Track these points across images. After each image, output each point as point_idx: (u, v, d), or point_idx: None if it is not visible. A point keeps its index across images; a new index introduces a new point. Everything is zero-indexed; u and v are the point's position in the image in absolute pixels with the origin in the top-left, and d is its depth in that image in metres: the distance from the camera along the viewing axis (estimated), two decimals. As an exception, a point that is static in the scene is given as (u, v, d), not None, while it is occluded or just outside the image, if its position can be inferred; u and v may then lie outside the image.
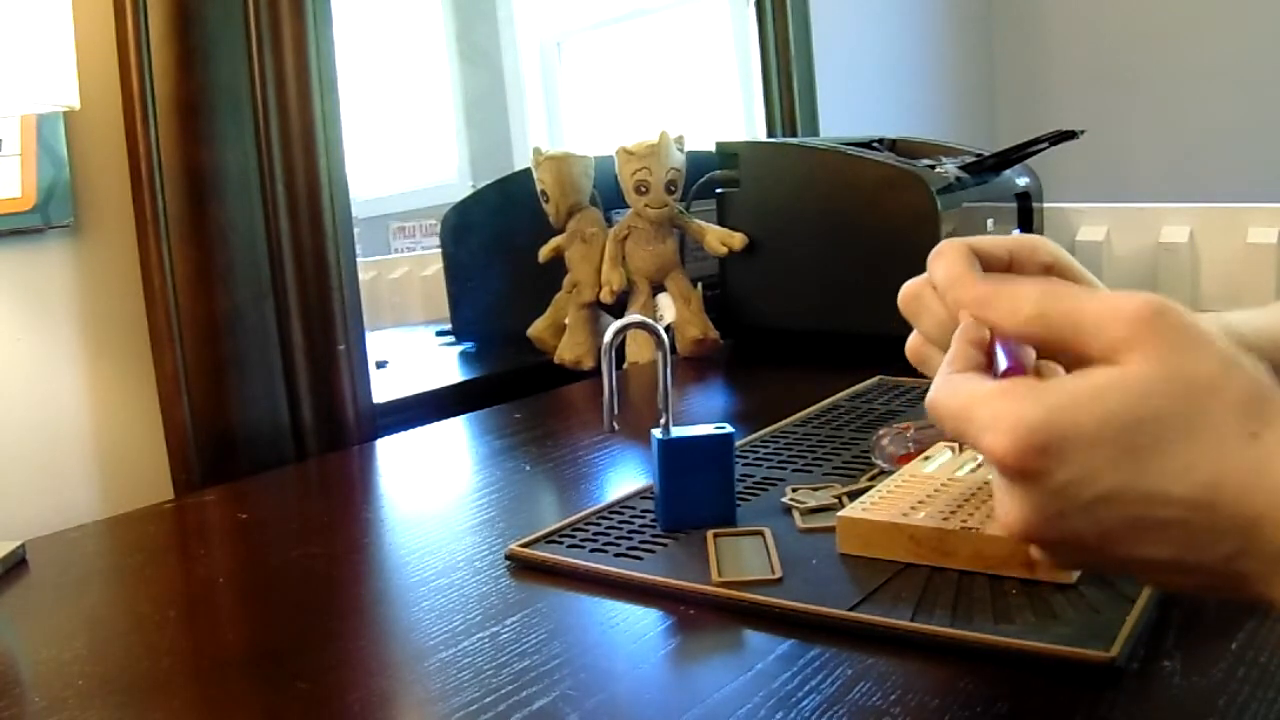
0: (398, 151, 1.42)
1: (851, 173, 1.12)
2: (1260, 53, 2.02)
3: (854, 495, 0.61)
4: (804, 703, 0.41)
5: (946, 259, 0.43)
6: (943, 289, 0.43)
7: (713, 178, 1.19)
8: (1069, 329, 0.37)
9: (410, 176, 1.44)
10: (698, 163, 1.18)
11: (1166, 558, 0.36)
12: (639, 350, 1.18)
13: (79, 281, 0.86)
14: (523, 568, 0.58)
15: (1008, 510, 0.38)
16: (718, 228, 1.17)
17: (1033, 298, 0.39)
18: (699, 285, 1.20)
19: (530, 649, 0.48)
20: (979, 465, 0.60)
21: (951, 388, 0.40)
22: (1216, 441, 0.35)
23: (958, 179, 1.14)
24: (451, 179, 1.45)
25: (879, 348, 1.07)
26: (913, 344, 0.48)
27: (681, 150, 1.14)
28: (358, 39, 1.17)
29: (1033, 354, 0.40)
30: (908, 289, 0.47)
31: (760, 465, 0.72)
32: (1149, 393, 0.35)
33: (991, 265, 0.45)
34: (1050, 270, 0.48)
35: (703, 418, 0.63)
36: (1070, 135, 1.16)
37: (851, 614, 0.48)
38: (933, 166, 1.14)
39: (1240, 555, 0.35)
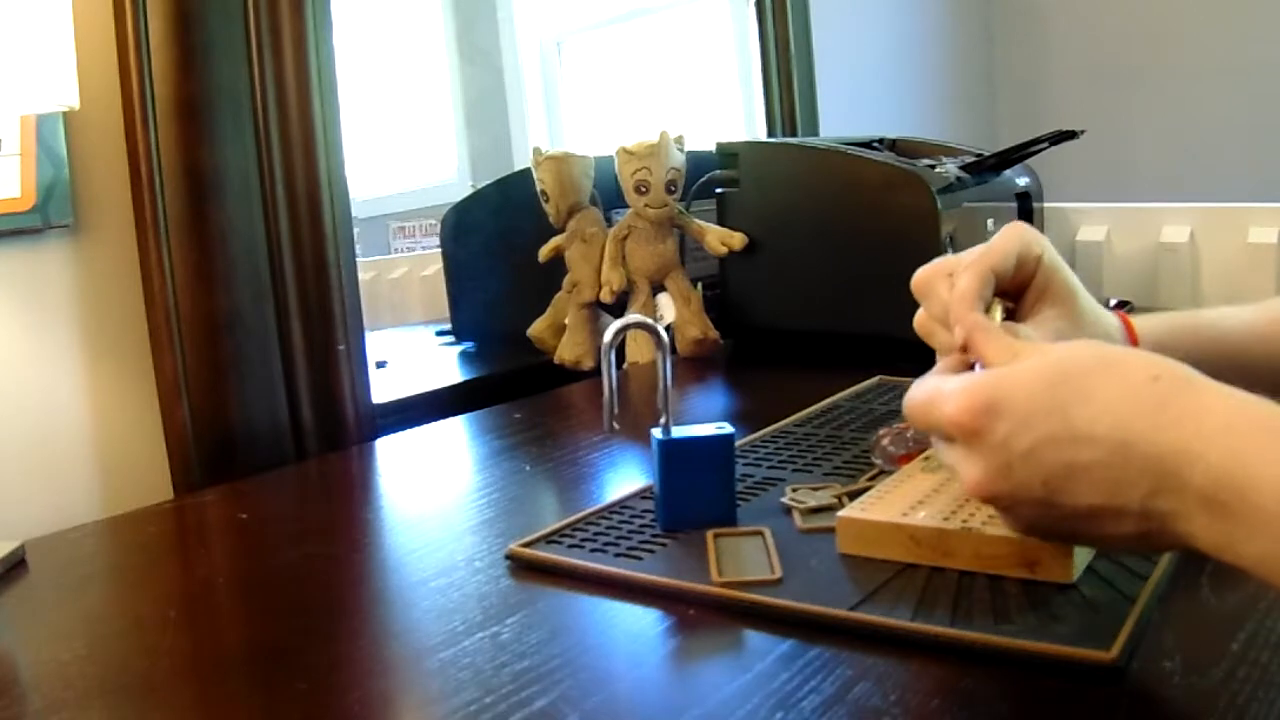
0: (398, 151, 1.42)
1: (851, 173, 1.12)
2: (1260, 52, 2.02)
3: (854, 495, 0.61)
4: (804, 703, 0.41)
5: (968, 276, 0.53)
6: (954, 297, 0.52)
7: (713, 178, 1.19)
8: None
9: (410, 176, 1.44)
10: (698, 163, 1.18)
11: (1100, 503, 0.41)
12: (639, 350, 1.18)
13: (79, 282, 0.86)
14: (523, 568, 0.58)
15: (966, 473, 0.45)
16: (718, 228, 1.17)
17: (990, 354, 0.48)
18: (699, 285, 1.20)
19: (530, 649, 0.48)
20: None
21: (919, 386, 0.49)
22: (1125, 387, 0.42)
23: (958, 179, 1.14)
24: (451, 179, 1.45)
25: (879, 348, 1.07)
26: (920, 319, 0.56)
27: (681, 150, 1.14)
28: (358, 39, 1.17)
29: None
30: (923, 274, 0.56)
31: (760, 465, 0.72)
32: (1070, 357, 0.44)
33: (1003, 278, 0.55)
34: (1039, 263, 0.57)
35: (703, 418, 0.63)
36: (1070, 135, 1.16)
37: (851, 614, 0.48)
38: (933, 166, 1.14)
39: (1157, 493, 0.40)
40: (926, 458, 0.62)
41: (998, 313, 0.55)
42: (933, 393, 0.46)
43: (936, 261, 0.56)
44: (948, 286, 0.54)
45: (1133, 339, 0.61)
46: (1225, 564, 0.39)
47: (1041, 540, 0.47)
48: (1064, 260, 0.58)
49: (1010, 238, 0.57)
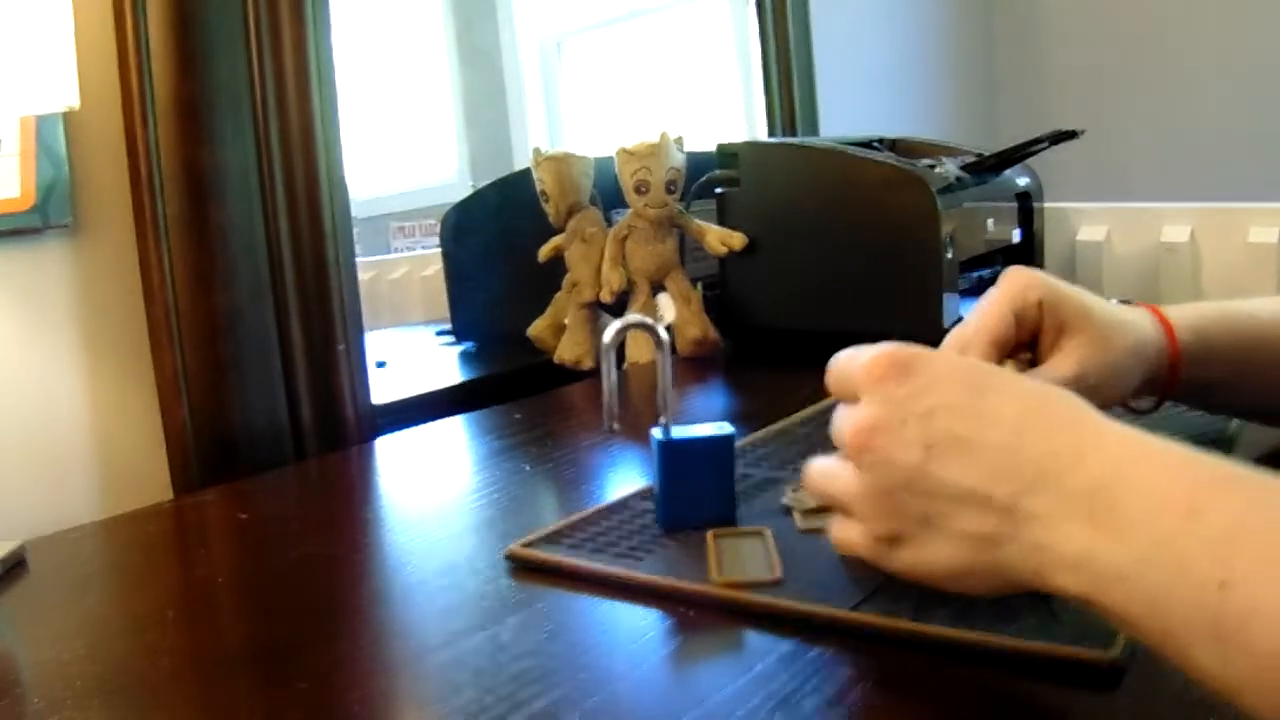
0: (398, 151, 1.42)
1: (851, 173, 1.12)
2: (1260, 53, 2.02)
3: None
4: (804, 703, 0.41)
5: (972, 357, 0.56)
6: None
7: (713, 178, 1.19)
8: None
9: (410, 176, 1.44)
10: (698, 163, 1.18)
11: (971, 485, 0.40)
12: (639, 350, 1.18)
13: (78, 281, 0.86)
14: (522, 568, 0.58)
15: (855, 415, 0.44)
16: (718, 228, 1.17)
17: None
18: (699, 285, 1.20)
19: (530, 649, 0.48)
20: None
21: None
22: (1040, 394, 0.42)
23: (958, 179, 1.14)
24: (451, 179, 1.45)
25: (879, 348, 1.07)
26: None
27: (681, 150, 1.14)
28: (357, 39, 1.17)
29: None
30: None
31: (760, 465, 0.72)
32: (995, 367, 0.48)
33: (1007, 343, 0.57)
34: (1042, 305, 0.57)
35: (703, 418, 0.63)
36: (1070, 135, 1.16)
37: (851, 614, 0.48)
38: (933, 166, 1.14)
39: (1031, 490, 0.39)
40: None
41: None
42: (857, 350, 0.46)
43: (945, 344, 0.57)
44: None
45: (1168, 329, 0.61)
46: (1070, 586, 0.38)
47: (874, 529, 0.45)
48: (1066, 283, 0.59)
49: (1001, 300, 0.58)
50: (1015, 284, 0.58)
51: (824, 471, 0.47)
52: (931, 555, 0.43)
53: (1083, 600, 0.37)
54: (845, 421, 0.45)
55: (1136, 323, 0.61)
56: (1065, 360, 0.57)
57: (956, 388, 0.42)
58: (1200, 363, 0.62)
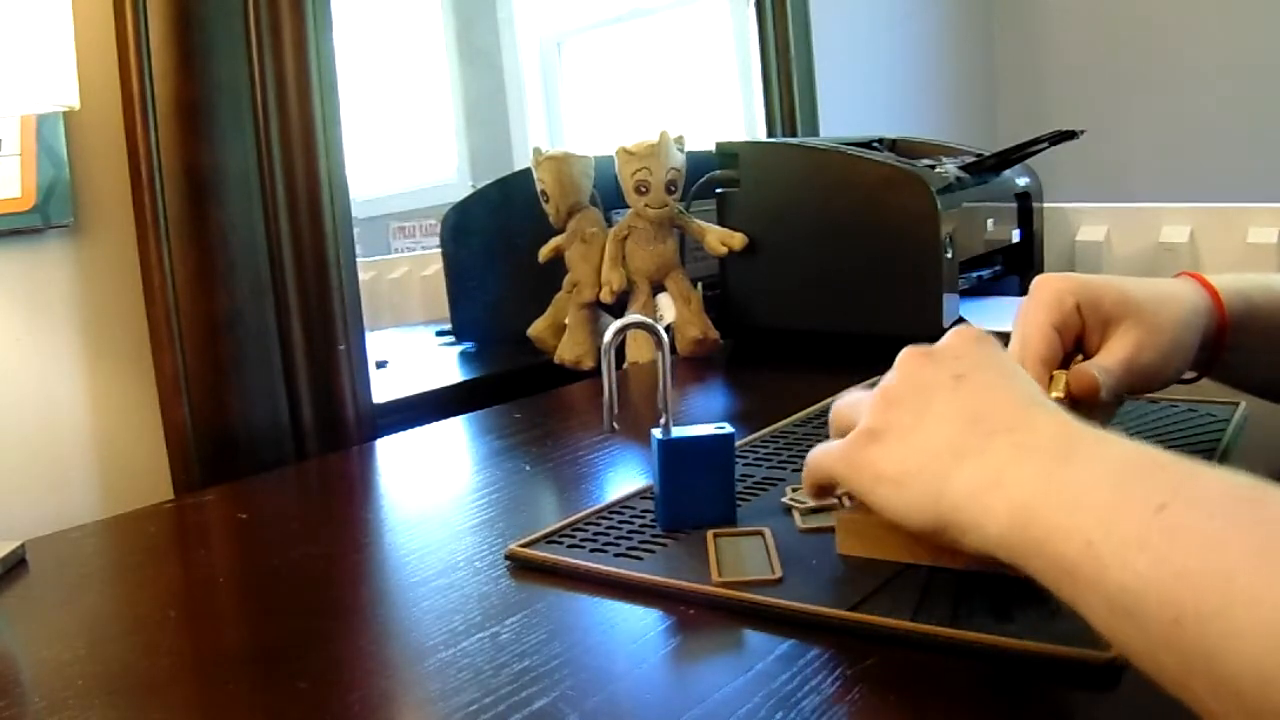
0: (398, 151, 1.42)
1: (851, 173, 1.12)
2: (1260, 53, 2.02)
3: (854, 495, 0.61)
4: (804, 703, 0.41)
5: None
6: None
7: (713, 178, 1.19)
8: None
9: (410, 176, 1.44)
10: (698, 163, 1.18)
11: (974, 409, 0.45)
12: (639, 350, 1.18)
13: (79, 281, 0.86)
14: (523, 568, 0.58)
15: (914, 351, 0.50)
16: (718, 228, 1.17)
17: None
18: (699, 285, 1.20)
19: (530, 649, 0.48)
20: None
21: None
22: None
23: (958, 179, 1.14)
24: (451, 179, 1.45)
25: (879, 348, 1.07)
26: None
27: (681, 150, 1.14)
28: (358, 39, 1.17)
29: None
30: None
31: (760, 465, 0.72)
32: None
33: (1056, 357, 0.57)
34: (1080, 308, 0.57)
35: (703, 418, 0.63)
36: (1070, 135, 1.16)
37: (851, 614, 0.48)
38: (933, 166, 1.14)
39: (1013, 431, 0.42)
40: None
41: (1058, 389, 0.55)
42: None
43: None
44: None
45: (1214, 295, 0.61)
46: (996, 504, 0.41)
47: (859, 432, 0.49)
48: (1097, 277, 0.59)
49: (1039, 316, 0.57)
50: (1048, 294, 0.57)
51: (856, 404, 0.51)
52: (897, 451, 0.46)
53: (1006, 528, 0.40)
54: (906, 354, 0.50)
55: (1181, 292, 0.60)
56: (1117, 347, 0.56)
57: (1009, 364, 0.48)
58: (1246, 329, 0.61)
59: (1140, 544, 0.34)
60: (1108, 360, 0.56)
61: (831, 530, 0.56)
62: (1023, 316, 0.58)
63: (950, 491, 0.43)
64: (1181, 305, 0.59)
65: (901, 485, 0.45)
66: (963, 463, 0.43)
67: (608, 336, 0.59)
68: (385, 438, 0.94)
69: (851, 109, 1.77)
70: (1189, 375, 0.64)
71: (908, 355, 0.49)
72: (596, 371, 1.13)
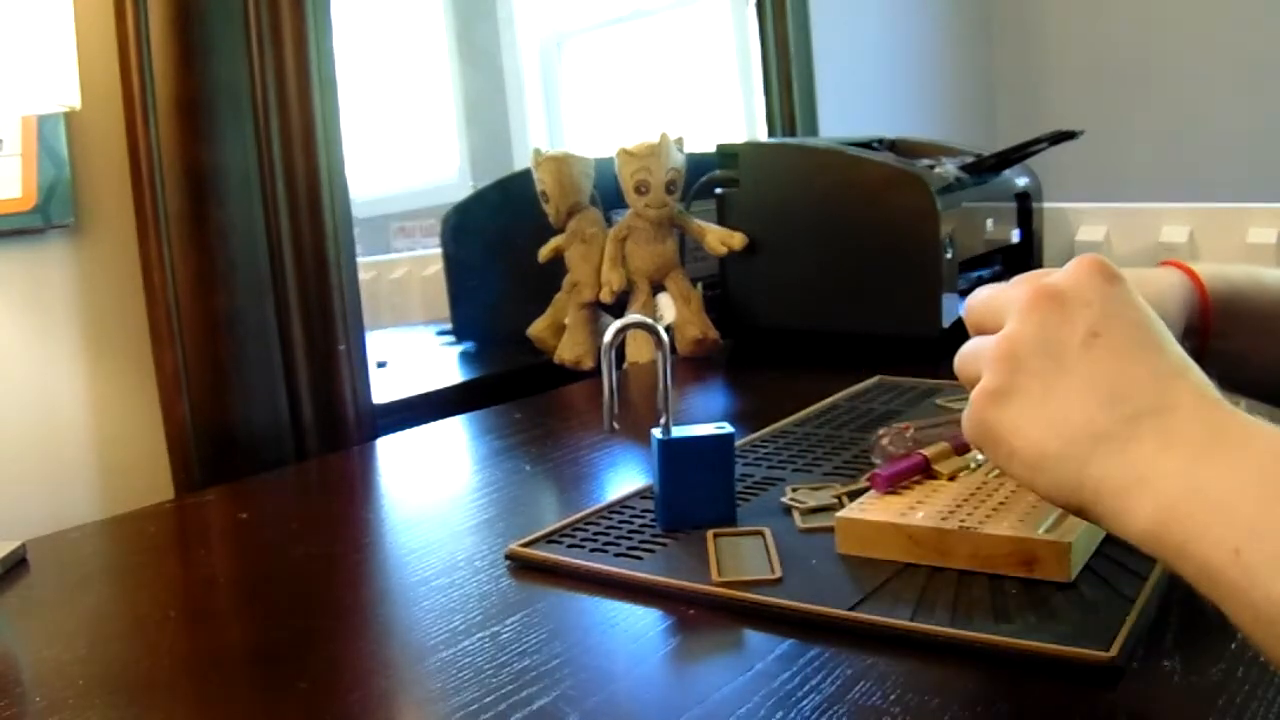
0: (398, 151, 1.42)
1: (851, 173, 1.12)
2: (1260, 53, 2.02)
3: (854, 495, 0.61)
4: (804, 703, 0.41)
5: None
6: None
7: (713, 178, 1.19)
8: None
9: (410, 176, 1.44)
10: (698, 163, 1.18)
11: (1111, 381, 0.41)
12: (639, 350, 1.18)
13: (79, 281, 0.86)
14: (523, 568, 0.58)
15: (1051, 279, 0.44)
16: (718, 228, 1.17)
17: None
18: (699, 285, 1.20)
19: (530, 649, 0.48)
20: (978, 467, 0.60)
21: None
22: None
23: (958, 179, 1.14)
24: (451, 179, 1.45)
25: (879, 348, 1.07)
26: None
27: (681, 151, 1.14)
28: (358, 39, 1.17)
29: None
30: None
31: (760, 465, 0.72)
32: None
33: None
34: None
35: (703, 418, 0.63)
36: (1070, 135, 1.16)
37: (851, 614, 0.48)
38: (933, 166, 1.14)
39: (1159, 414, 0.39)
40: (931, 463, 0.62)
41: None
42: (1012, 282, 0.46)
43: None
44: None
45: (1199, 285, 0.60)
46: (1140, 506, 0.38)
47: (990, 379, 0.44)
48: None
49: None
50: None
51: (990, 302, 0.47)
52: (1030, 423, 0.42)
53: (1149, 527, 0.38)
54: (1033, 279, 0.44)
55: (1162, 277, 0.59)
56: None
57: (1147, 318, 0.43)
58: (1231, 315, 0.61)
59: None
60: None
61: (831, 530, 0.56)
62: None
63: (1090, 480, 0.40)
64: (1160, 287, 0.58)
65: (1039, 469, 0.42)
66: (1102, 450, 0.40)
67: (608, 336, 0.59)
68: (385, 438, 0.94)
69: (851, 109, 1.77)
70: None
71: (1032, 298, 0.43)
72: (596, 371, 1.13)
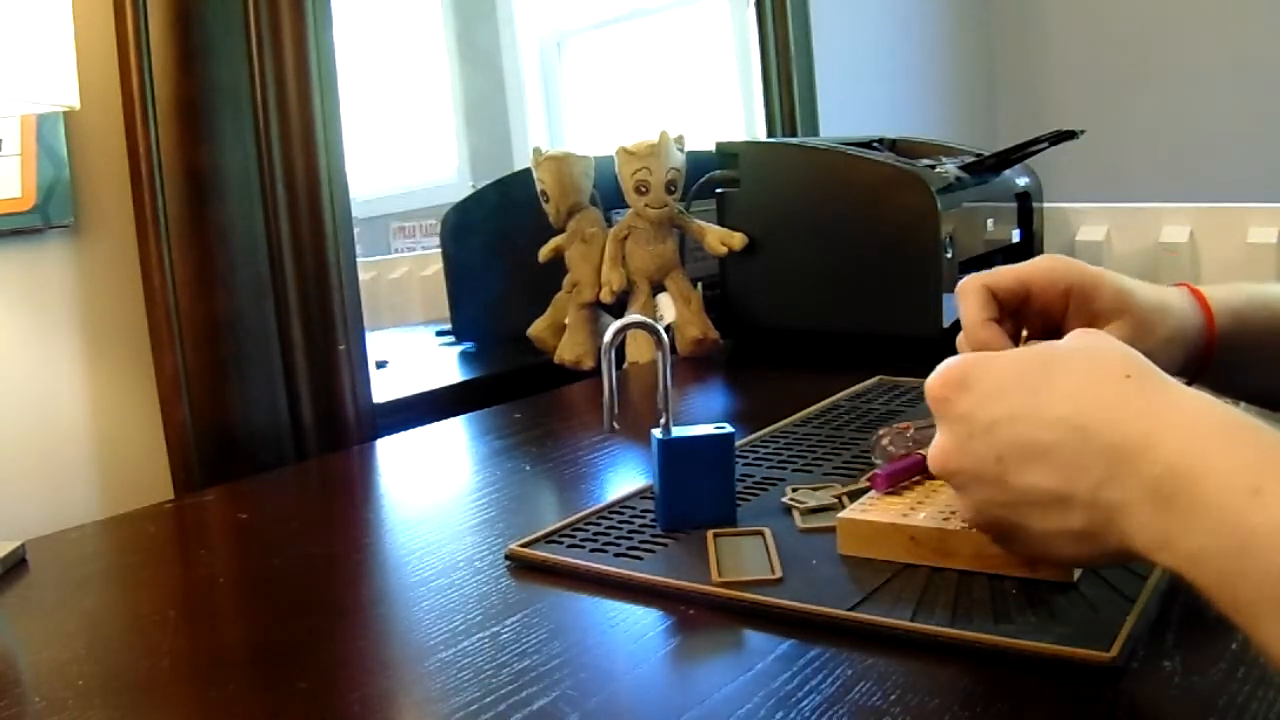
0: (398, 151, 1.42)
1: (851, 173, 1.12)
2: (1260, 53, 2.02)
3: (854, 495, 0.61)
4: (804, 703, 0.41)
5: (967, 302, 0.55)
6: (965, 327, 0.55)
7: (713, 178, 1.19)
8: None
9: (410, 176, 1.44)
10: (698, 163, 1.18)
11: (1051, 486, 0.42)
12: (639, 350, 1.18)
13: (79, 281, 0.86)
14: (523, 568, 0.58)
15: (935, 446, 0.46)
16: (718, 228, 1.17)
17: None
18: (699, 285, 1.20)
19: (530, 649, 0.48)
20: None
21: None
22: (1095, 378, 0.42)
23: (958, 179, 1.14)
24: (451, 179, 1.45)
25: (879, 348, 1.07)
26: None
27: (681, 150, 1.14)
28: (358, 39, 1.17)
29: None
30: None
31: (760, 465, 0.72)
32: (1053, 346, 0.45)
33: (1010, 299, 0.56)
34: (1070, 294, 0.56)
35: (703, 418, 0.63)
36: (1070, 135, 1.16)
37: (851, 614, 0.48)
38: (933, 166, 1.14)
39: (1108, 482, 0.40)
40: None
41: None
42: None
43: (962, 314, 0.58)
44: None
45: (1207, 311, 0.61)
46: (1165, 564, 0.38)
47: (989, 535, 0.47)
48: (1106, 271, 0.59)
49: (1023, 266, 0.57)
50: (1046, 264, 0.57)
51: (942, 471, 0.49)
52: (1044, 549, 0.45)
53: (1178, 576, 0.38)
54: (932, 449, 0.47)
55: (1177, 306, 0.60)
56: None
57: (1009, 394, 0.43)
58: (1234, 347, 0.61)
59: None
60: None
61: (831, 530, 0.56)
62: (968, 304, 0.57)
63: (1127, 554, 0.41)
64: (1174, 319, 0.59)
65: (1087, 563, 0.46)
66: (1104, 538, 0.41)
67: (608, 336, 0.59)
68: (385, 438, 0.94)
69: (851, 109, 1.77)
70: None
71: (934, 463, 0.46)
72: (596, 371, 1.13)
